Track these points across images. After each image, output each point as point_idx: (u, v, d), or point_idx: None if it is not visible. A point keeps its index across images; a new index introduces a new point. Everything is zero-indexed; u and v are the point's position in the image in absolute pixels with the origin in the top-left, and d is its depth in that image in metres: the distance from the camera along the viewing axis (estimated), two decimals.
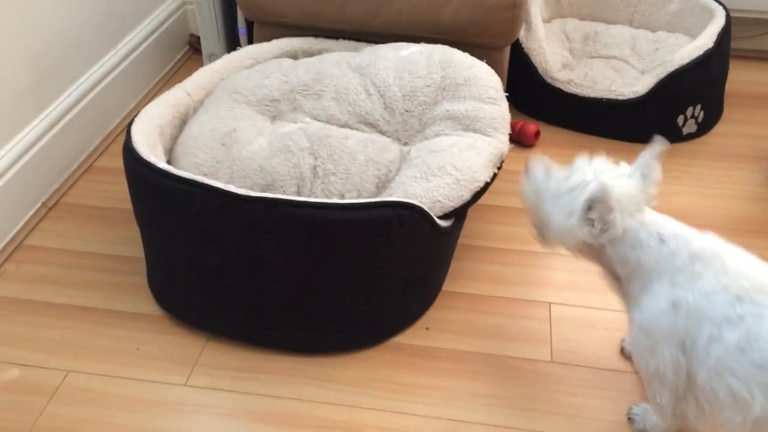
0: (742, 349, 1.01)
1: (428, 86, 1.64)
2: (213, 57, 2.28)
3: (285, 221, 1.28)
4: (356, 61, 1.70)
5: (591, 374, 1.39)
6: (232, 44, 2.26)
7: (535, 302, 1.56)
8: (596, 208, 1.10)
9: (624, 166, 1.18)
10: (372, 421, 1.31)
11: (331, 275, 1.34)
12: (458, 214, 1.48)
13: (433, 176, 1.44)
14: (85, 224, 1.76)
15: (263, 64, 1.69)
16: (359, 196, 1.47)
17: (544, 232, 1.21)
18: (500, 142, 1.57)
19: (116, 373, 1.39)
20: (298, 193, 1.44)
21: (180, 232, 1.37)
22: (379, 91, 1.64)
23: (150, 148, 1.43)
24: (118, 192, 1.84)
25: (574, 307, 1.55)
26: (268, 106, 1.60)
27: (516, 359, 1.43)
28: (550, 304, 1.55)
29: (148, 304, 1.53)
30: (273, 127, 1.59)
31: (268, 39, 1.99)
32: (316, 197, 1.43)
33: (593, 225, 1.11)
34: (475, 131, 1.58)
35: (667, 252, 1.10)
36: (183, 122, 1.62)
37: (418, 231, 1.37)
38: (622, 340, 1.44)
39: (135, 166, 1.38)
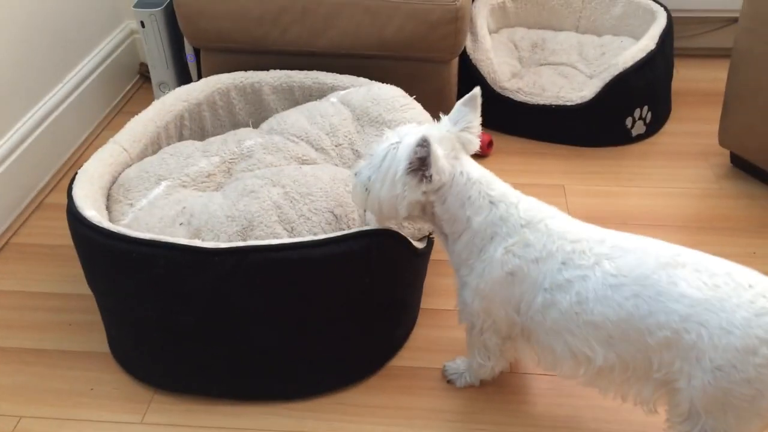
0: (576, 312, 1.11)
1: (344, 120, 1.67)
2: (163, 85, 2.26)
3: (262, 268, 1.24)
4: (266, 127, 1.71)
5: (550, 383, 1.40)
6: (182, 71, 2.25)
7: None
8: (419, 152, 1.11)
9: (423, 125, 1.22)
10: None
11: (315, 315, 1.32)
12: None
13: None
14: (36, 264, 1.73)
15: (175, 146, 1.64)
16: (344, 212, 1.43)
17: (383, 213, 1.21)
18: None
19: (70, 415, 1.37)
20: (281, 221, 1.39)
21: (144, 296, 1.30)
22: (303, 138, 1.64)
23: (98, 212, 1.36)
24: (65, 228, 1.81)
25: None
26: (205, 181, 1.56)
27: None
28: None
29: (100, 343, 1.50)
30: (221, 191, 1.52)
31: (216, 64, 1.99)
32: (307, 218, 1.39)
33: (419, 177, 1.14)
34: None
35: (497, 216, 1.16)
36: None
37: (397, 256, 1.37)
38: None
39: (85, 232, 1.30)
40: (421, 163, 1.13)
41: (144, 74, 2.46)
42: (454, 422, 1.34)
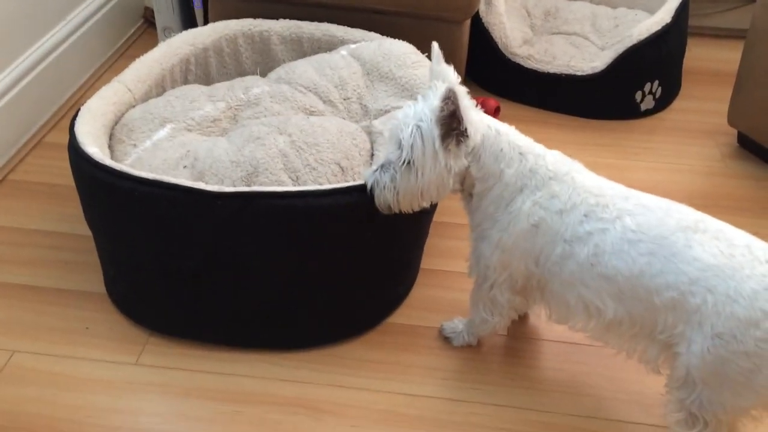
0: (591, 264, 1.10)
1: (354, 73, 1.64)
2: (168, 30, 2.22)
3: (265, 215, 1.22)
4: (274, 76, 1.67)
5: (546, 347, 1.40)
6: (188, 17, 2.20)
7: None
8: (446, 109, 1.06)
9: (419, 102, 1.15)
10: (326, 396, 1.29)
11: (317, 266, 1.30)
12: None
13: None
14: (33, 201, 1.70)
15: (181, 89, 1.61)
16: (351, 164, 1.41)
17: (426, 199, 1.16)
18: None
19: (64, 352, 1.36)
20: (287, 169, 1.36)
21: (145, 237, 1.28)
22: (311, 89, 1.61)
23: (101, 149, 1.33)
24: (68, 168, 1.78)
25: None
26: (210, 126, 1.53)
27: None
28: None
29: (97, 283, 1.48)
30: (226, 137, 1.50)
31: (224, 11, 1.94)
32: (312, 168, 1.37)
33: (455, 140, 1.10)
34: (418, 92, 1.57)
35: (527, 168, 1.14)
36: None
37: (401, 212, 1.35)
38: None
39: (87, 168, 1.28)
40: (451, 123, 1.08)
41: (149, 19, 2.41)
42: (449, 380, 1.34)
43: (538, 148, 1.18)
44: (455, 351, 1.39)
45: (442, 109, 1.07)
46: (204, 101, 1.57)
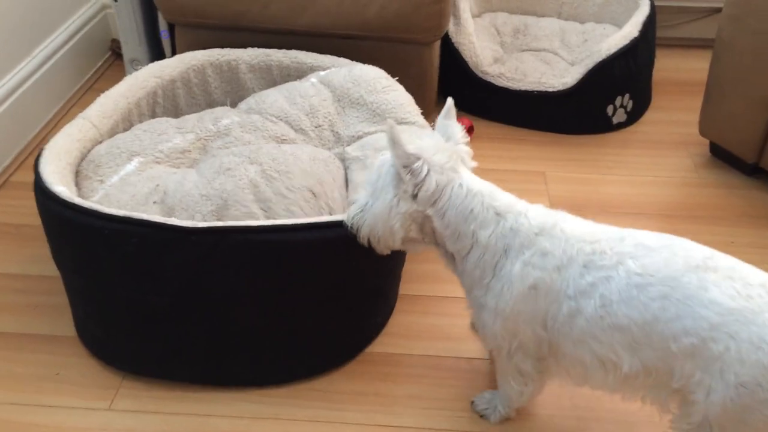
0: (601, 316, 1.04)
1: (324, 101, 1.62)
2: (135, 62, 2.19)
3: (240, 250, 1.19)
4: (244, 106, 1.66)
5: None
6: (155, 48, 2.18)
7: None
8: (397, 161, 1.05)
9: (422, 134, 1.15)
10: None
11: (292, 300, 1.27)
12: None
13: None
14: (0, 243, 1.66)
15: (149, 122, 1.58)
16: (324, 190, 1.38)
17: (379, 236, 1.13)
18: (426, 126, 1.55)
19: (35, 401, 1.31)
20: (257, 200, 1.34)
21: (116, 275, 1.25)
22: (282, 118, 1.59)
23: (68, 188, 1.30)
24: (34, 208, 1.74)
25: None
26: (179, 158, 1.50)
27: (455, 359, 1.41)
28: None
29: (67, 326, 1.44)
30: (195, 168, 1.47)
31: (191, 41, 1.92)
32: (283, 196, 1.34)
33: (408, 186, 1.06)
34: (395, 121, 1.55)
35: (507, 228, 1.08)
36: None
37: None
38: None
39: (54, 208, 1.24)
40: (407, 170, 1.06)
41: (116, 51, 2.38)
42: (432, 409, 1.31)
43: (519, 206, 1.11)
44: (437, 379, 1.36)
45: (398, 174, 1.07)
46: (173, 133, 1.55)
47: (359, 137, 1.58)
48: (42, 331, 1.45)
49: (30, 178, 1.87)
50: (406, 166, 1.05)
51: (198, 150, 1.54)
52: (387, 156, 1.10)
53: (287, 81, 1.77)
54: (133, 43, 2.15)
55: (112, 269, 1.25)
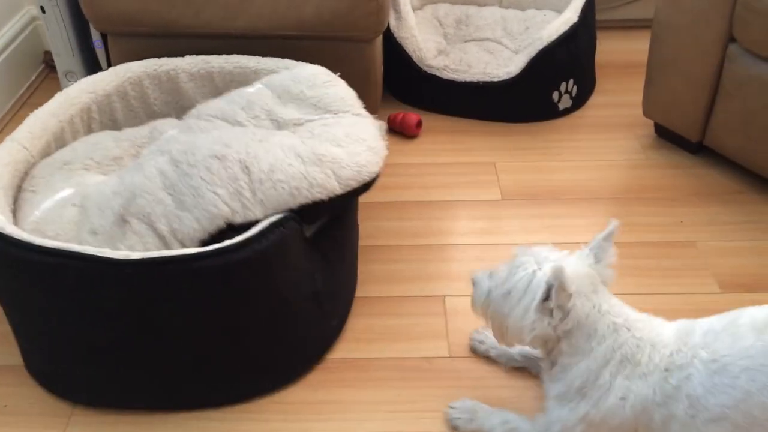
0: (692, 416, 1.04)
1: (263, 97, 1.57)
2: (70, 75, 2.12)
3: (179, 278, 1.16)
4: (187, 116, 1.61)
5: (489, 365, 1.37)
6: (89, 59, 2.11)
7: (431, 297, 1.53)
8: (553, 295, 1.04)
9: (563, 252, 1.13)
10: None
11: (238, 319, 1.24)
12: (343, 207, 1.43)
13: (344, 144, 1.39)
14: None
15: (91, 136, 1.54)
16: (231, 150, 1.32)
17: (504, 338, 1.15)
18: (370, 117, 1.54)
19: None
20: (164, 187, 1.28)
21: (55, 309, 1.20)
22: (218, 116, 1.54)
23: (2, 214, 1.24)
24: None
25: (468, 297, 1.52)
26: (110, 165, 1.46)
27: (417, 359, 1.39)
28: (444, 297, 1.53)
29: (12, 356, 1.39)
30: (122, 171, 1.42)
31: (126, 51, 1.86)
32: (186, 174, 1.27)
33: (552, 315, 1.06)
34: (335, 113, 1.53)
35: (615, 342, 1.08)
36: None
37: (295, 241, 1.30)
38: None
39: None
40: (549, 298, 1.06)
41: (49, 63, 2.30)
42: (396, 413, 1.30)
43: (630, 319, 1.11)
44: (399, 381, 1.35)
45: (547, 297, 1.06)
46: (109, 142, 1.50)
47: (301, 123, 1.53)
48: None
49: None
50: (561, 306, 1.06)
51: (130, 156, 1.49)
52: (532, 267, 1.09)
53: (230, 87, 1.72)
54: (65, 54, 2.08)
55: (50, 302, 1.21)
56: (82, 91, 1.59)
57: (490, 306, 1.14)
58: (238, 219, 1.26)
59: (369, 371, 1.37)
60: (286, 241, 1.24)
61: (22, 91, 2.22)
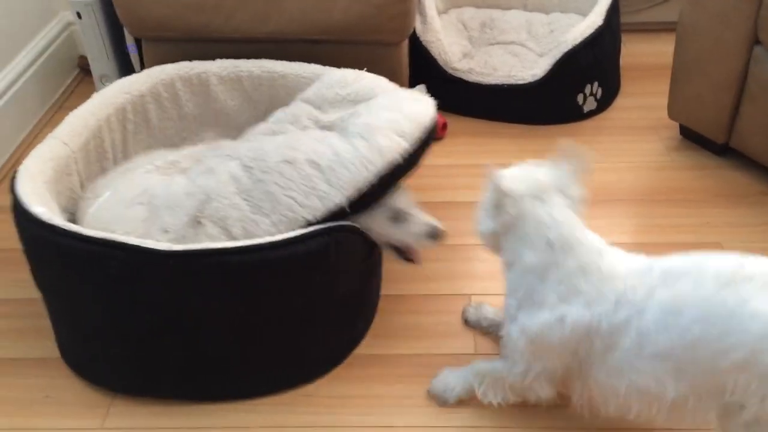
0: (639, 347, 1.06)
1: (303, 109, 1.61)
2: (105, 78, 2.18)
3: (219, 271, 1.20)
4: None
5: None
6: (123, 63, 2.17)
7: (457, 296, 1.55)
8: (493, 195, 1.14)
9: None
10: None
11: (273, 314, 1.28)
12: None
13: (392, 109, 1.42)
14: None
15: (144, 156, 1.62)
16: (301, 152, 1.35)
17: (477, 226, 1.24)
18: None
19: (26, 425, 1.31)
20: (239, 192, 1.33)
21: (97, 298, 1.25)
22: (267, 133, 1.59)
23: (46, 208, 1.29)
24: (13, 231, 1.73)
25: (494, 296, 1.55)
26: (169, 168, 1.51)
27: (443, 356, 1.42)
28: (470, 296, 1.55)
29: (52, 348, 1.44)
30: (184, 174, 1.47)
31: (159, 55, 1.92)
32: (260, 181, 1.32)
33: (494, 213, 1.16)
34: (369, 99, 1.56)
35: (552, 262, 1.12)
36: (67, 176, 1.48)
37: (355, 249, 1.34)
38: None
39: (34, 230, 1.24)
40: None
41: (84, 68, 2.37)
42: (423, 407, 1.32)
43: (573, 242, 1.12)
44: (426, 378, 1.38)
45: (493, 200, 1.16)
46: (165, 154, 1.58)
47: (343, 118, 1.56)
48: (28, 354, 1.44)
49: (4, 201, 1.87)
50: (497, 205, 1.14)
51: (189, 159, 1.55)
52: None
53: (258, 91, 1.77)
54: (100, 59, 2.14)
55: (93, 291, 1.25)
56: (118, 91, 1.65)
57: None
58: (320, 214, 1.28)
59: (395, 367, 1.40)
60: (330, 247, 1.27)
61: (57, 95, 2.29)
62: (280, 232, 1.27)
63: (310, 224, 1.28)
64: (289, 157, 1.34)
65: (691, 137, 1.98)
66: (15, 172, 1.38)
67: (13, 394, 1.37)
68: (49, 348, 1.44)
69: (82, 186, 1.53)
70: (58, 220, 1.25)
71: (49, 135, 1.49)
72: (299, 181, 1.30)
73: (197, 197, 1.33)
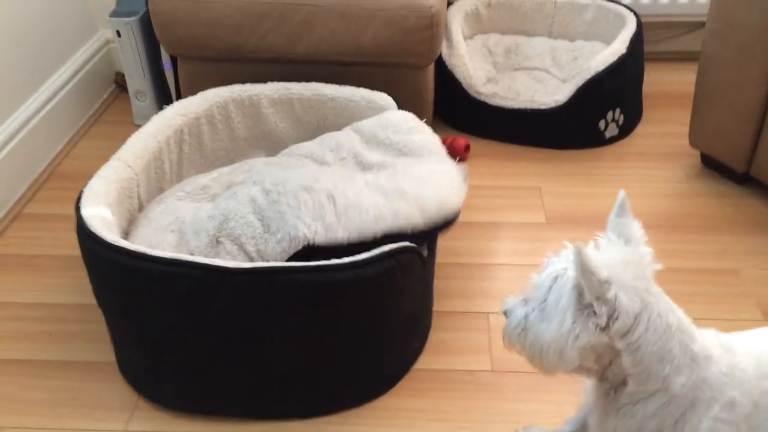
0: None
1: (351, 140, 1.66)
2: (140, 95, 2.26)
3: (286, 290, 1.22)
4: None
5: (529, 379, 1.42)
6: (159, 80, 2.25)
7: (474, 313, 1.58)
8: (586, 285, 0.85)
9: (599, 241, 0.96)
10: None
11: (336, 337, 1.31)
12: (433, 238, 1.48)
13: (427, 183, 1.45)
14: (13, 273, 1.71)
15: (179, 184, 1.66)
16: (321, 185, 1.39)
17: (544, 361, 0.93)
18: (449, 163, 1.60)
19: (52, 425, 1.36)
20: (254, 211, 1.37)
21: (165, 316, 1.28)
22: (306, 155, 1.64)
23: (109, 230, 1.32)
24: (46, 238, 1.80)
25: None
26: (200, 194, 1.56)
27: (458, 372, 1.45)
28: (488, 314, 1.58)
29: (83, 352, 1.49)
30: (217, 199, 1.52)
31: (193, 73, 1.99)
32: (275, 202, 1.36)
33: (595, 313, 0.87)
34: (419, 157, 1.60)
35: (700, 378, 0.91)
36: (128, 198, 1.53)
37: (414, 270, 1.36)
38: None
39: (100, 251, 1.26)
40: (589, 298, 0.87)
41: (120, 83, 2.45)
42: (485, 422, 1.34)
43: (711, 346, 0.94)
44: (440, 391, 1.40)
45: (581, 293, 0.88)
46: (200, 179, 1.62)
47: (384, 166, 1.60)
48: (58, 357, 1.49)
49: (42, 210, 1.95)
50: (599, 297, 0.86)
51: (220, 185, 1.59)
52: (561, 266, 0.92)
53: (308, 114, 1.83)
54: (137, 76, 2.22)
55: (161, 310, 1.28)
56: (176, 113, 1.71)
57: (528, 334, 0.94)
58: (320, 240, 1.31)
59: (454, 382, 1.42)
60: (396, 269, 1.29)
61: (94, 109, 2.37)
62: (284, 250, 1.31)
63: (308, 246, 1.30)
64: (308, 186, 1.39)
65: (712, 165, 1.99)
66: (80, 193, 1.41)
67: (41, 395, 1.42)
68: (77, 351, 1.50)
69: (140, 209, 1.58)
70: (125, 242, 1.28)
71: (113, 157, 1.53)
72: (311, 206, 1.35)
73: (217, 219, 1.39)
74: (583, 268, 0.84)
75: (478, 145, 2.13)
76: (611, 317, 0.87)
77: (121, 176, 1.50)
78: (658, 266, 0.94)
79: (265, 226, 1.35)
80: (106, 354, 1.48)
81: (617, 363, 0.92)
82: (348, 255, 1.27)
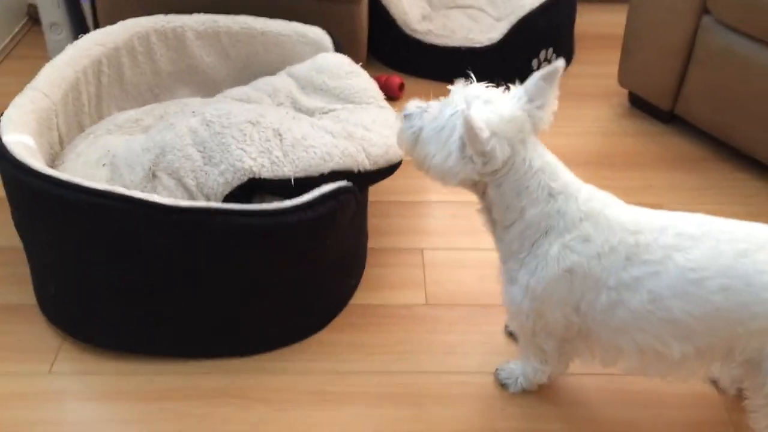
0: (649, 311, 1.03)
1: (287, 85, 1.60)
2: (55, 27, 2.12)
3: (225, 232, 1.18)
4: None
5: (464, 312, 1.44)
6: (74, 11, 2.11)
7: (409, 249, 1.59)
8: (469, 143, 0.98)
9: (510, 90, 1.07)
10: (256, 384, 1.29)
11: (274, 278, 1.28)
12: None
13: (372, 128, 1.41)
14: None
15: (111, 117, 1.58)
16: (267, 120, 1.34)
17: (430, 176, 1.09)
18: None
19: None
20: (194, 143, 1.30)
21: (96, 251, 1.22)
22: (243, 99, 1.58)
23: (34, 158, 1.23)
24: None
25: (446, 250, 1.59)
26: (132, 126, 1.48)
27: (394, 306, 1.46)
28: (422, 250, 1.59)
29: (2, 295, 1.42)
30: (146, 132, 1.45)
31: (113, 4, 1.87)
32: (218, 133, 1.30)
33: (473, 161, 1.01)
34: (358, 104, 1.55)
35: (555, 209, 1.05)
36: (48, 130, 1.44)
37: (350, 209, 1.34)
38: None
39: (27, 179, 1.18)
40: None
41: (33, 16, 2.30)
42: (423, 353, 1.36)
43: (572, 187, 1.06)
44: (377, 325, 1.41)
45: (464, 144, 1.00)
46: (128, 112, 1.54)
47: (324, 112, 1.55)
48: None
49: None
50: (478, 152, 0.99)
51: (153, 117, 1.51)
52: (462, 105, 1.02)
53: (236, 48, 1.75)
54: (51, 6, 2.08)
55: (90, 244, 1.22)
56: (93, 42, 1.60)
57: (417, 146, 1.08)
58: (266, 174, 1.26)
59: (391, 317, 1.43)
60: (337, 210, 1.27)
61: (4, 44, 2.22)
62: (227, 182, 1.26)
63: (253, 179, 1.26)
64: (254, 120, 1.33)
65: (640, 105, 2.04)
66: None
67: None
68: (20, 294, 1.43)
69: (61, 143, 1.49)
70: (53, 171, 1.20)
71: (28, 86, 1.44)
72: (257, 140, 1.30)
73: (153, 152, 1.32)
74: (469, 134, 0.97)
75: (412, 83, 2.11)
76: (484, 162, 1.01)
77: (38, 106, 1.41)
78: (546, 122, 1.06)
79: (206, 158, 1.29)
80: (27, 296, 1.41)
81: (488, 193, 1.08)
82: (289, 193, 1.24)
